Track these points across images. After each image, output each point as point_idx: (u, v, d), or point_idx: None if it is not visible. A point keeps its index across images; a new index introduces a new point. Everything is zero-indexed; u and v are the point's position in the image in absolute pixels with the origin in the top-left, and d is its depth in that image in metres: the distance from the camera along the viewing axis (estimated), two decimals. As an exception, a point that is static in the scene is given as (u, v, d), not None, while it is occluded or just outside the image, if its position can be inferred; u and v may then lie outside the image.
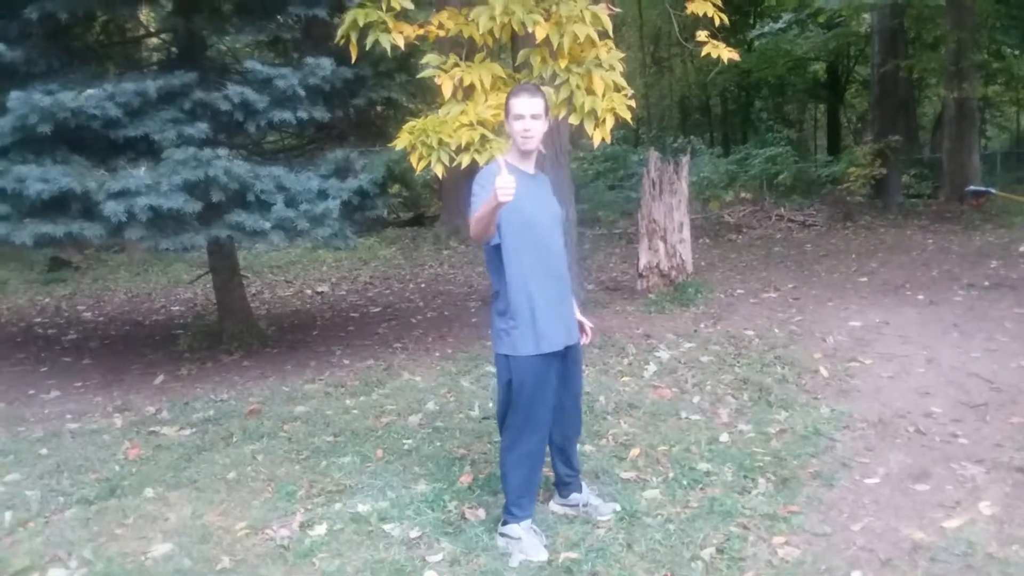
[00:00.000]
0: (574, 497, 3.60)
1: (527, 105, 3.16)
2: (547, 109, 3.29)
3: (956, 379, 5.28)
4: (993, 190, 16.03)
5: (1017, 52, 17.79)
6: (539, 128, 3.19)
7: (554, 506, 3.64)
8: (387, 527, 3.51)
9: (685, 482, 3.84)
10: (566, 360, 3.36)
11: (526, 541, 3.25)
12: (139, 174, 5.30)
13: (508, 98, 3.25)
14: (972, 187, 15.42)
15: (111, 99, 5.26)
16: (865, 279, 9.07)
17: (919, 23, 17.06)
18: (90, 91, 5.23)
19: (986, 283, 8.30)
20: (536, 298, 3.19)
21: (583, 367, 3.61)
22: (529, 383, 3.21)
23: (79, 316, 9.85)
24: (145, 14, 7.44)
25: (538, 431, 3.29)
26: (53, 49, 5.90)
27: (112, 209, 5.11)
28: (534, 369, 3.20)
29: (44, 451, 4.70)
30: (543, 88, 5.10)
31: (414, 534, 3.44)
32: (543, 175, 3.44)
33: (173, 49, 6.99)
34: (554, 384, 3.29)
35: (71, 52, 6.23)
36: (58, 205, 5.27)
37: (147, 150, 5.63)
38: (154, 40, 7.86)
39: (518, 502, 3.31)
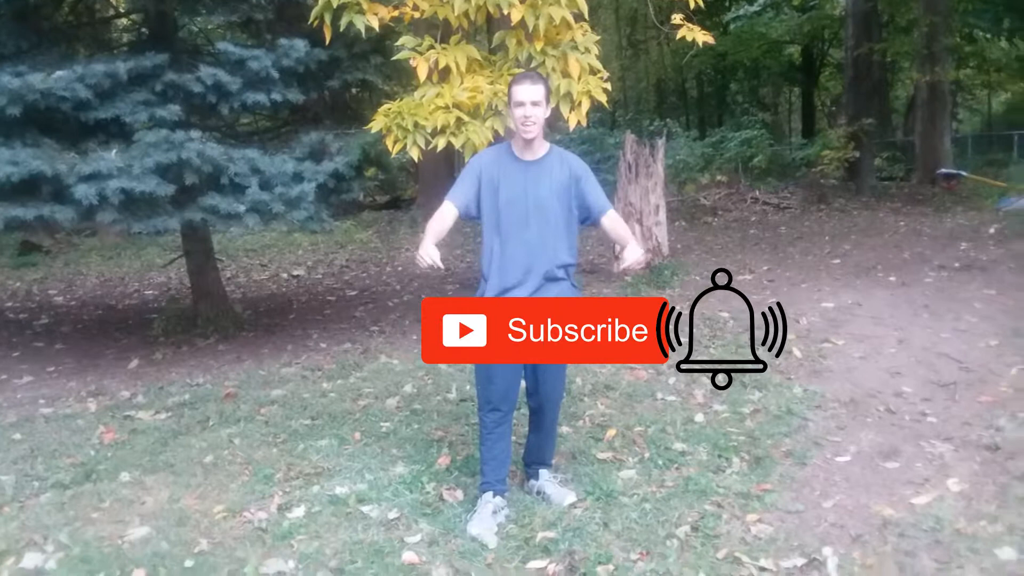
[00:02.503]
0: (531, 483, 3.66)
1: (527, 92, 3.22)
2: (548, 96, 3.36)
3: (926, 359, 5.37)
4: (964, 173, 16.25)
5: (989, 35, 17.98)
6: (539, 115, 3.24)
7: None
8: (365, 509, 3.53)
9: (661, 462, 3.89)
10: None
11: (477, 515, 3.34)
12: (110, 157, 5.24)
13: (510, 86, 3.34)
14: (944, 170, 15.69)
15: (81, 81, 5.19)
16: (838, 261, 9.18)
17: (892, 6, 17.17)
18: (59, 73, 5.15)
19: (956, 265, 8.42)
20: (492, 276, 3.32)
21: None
22: None
23: (51, 301, 9.74)
24: (115, -6, 7.33)
25: (489, 403, 3.37)
26: (22, 30, 5.80)
27: (83, 192, 5.04)
28: None
29: (17, 436, 4.66)
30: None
31: (392, 515, 3.46)
32: (555, 158, 3.37)
33: (143, 30, 6.90)
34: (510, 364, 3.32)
35: (40, 33, 6.13)
36: (28, 188, 5.19)
37: (118, 132, 5.56)
38: (124, 21, 7.75)
39: (482, 468, 3.44)
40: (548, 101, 3.34)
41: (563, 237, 3.34)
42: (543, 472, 3.65)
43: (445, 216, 3.32)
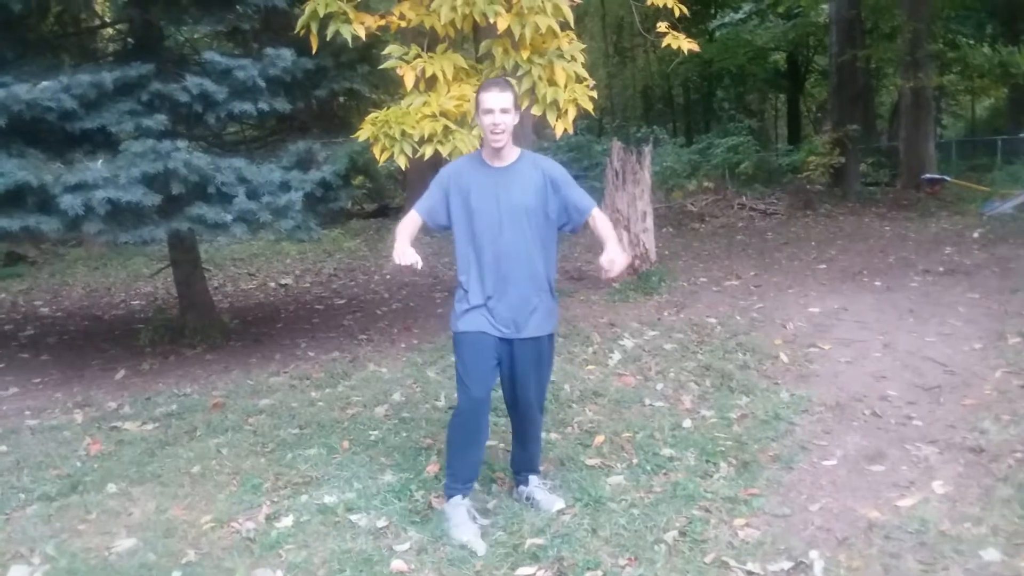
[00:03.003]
0: (520, 490, 3.64)
1: (496, 99, 3.18)
2: (517, 102, 3.32)
3: (911, 363, 5.41)
4: (948, 178, 16.36)
5: (971, 42, 18.16)
6: (508, 122, 3.20)
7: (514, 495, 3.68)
8: (354, 518, 3.52)
9: (649, 467, 3.90)
10: (512, 353, 3.36)
11: (454, 522, 3.32)
12: (96, 167, 5.22)
13: (477, 93, 3.28)
14: (928, 175, 15.82)
15: (67, 91, 5.17)
16: (824, 266, 9.23)
17: (876, 13, 17.35)
18: (45, 83, 5.14)
19: (941, 269, 8.49)
20: (472, 285, 3.31)
21: (545, 364, 3.51)
22: (458, 358, 3.35)
23: (36, 312, 9.68)
24: (100, 4, 7.31)
25: (464, 405, 3.34)
26: (6, 40, 5.78)
27: (69, 203, 5.03)
28: (460, 345, 3.33)
29: (3, 448, 4.63)
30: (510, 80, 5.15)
31: (381, 524, 3.45)
32: (526, 163, 3.34)
33: (129, 40, 6.88)
34: (489, 368, 3.33)
35: (25, 43, 6.11)
36: (14, 199, 5.17)
37: (104, 142, 5.55)
38: (109, 30, 7.74)
39: (447, 470, 3.45)
40: (517, 108, 3.30)
41: (539, 243, 3.32)
42: (532, 478, 3.64)
43: (413, 222, 3.34)
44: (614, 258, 3.19)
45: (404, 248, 3.15)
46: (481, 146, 3.41)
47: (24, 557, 3.31)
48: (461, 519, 3.33)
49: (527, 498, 3.59)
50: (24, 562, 3.27)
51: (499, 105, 3.18)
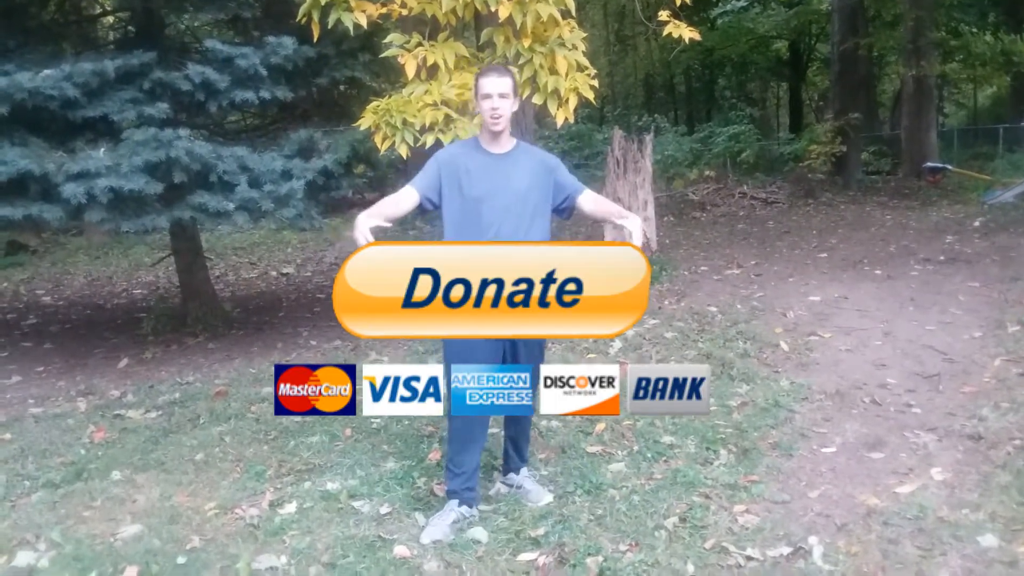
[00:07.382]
0: (509, 477, 3.63)
1: (495, 84, 3.16)
2: (516, 88, 3.29)
3: (911, 351, 5.43)
4: (950, 166, 16.32)
5: (974, 30, 18.09)
6: (507, 107, 3.18)
7: (498, 484, 3.67)
8: (357, 504, 3.55)
9: (649, 455, 3.92)
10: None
11: (432, 521, 3.34)
12: (98, 155, 5.24)
13: (476, 78, 3.27)
14: (929, 164, 15.80)
15: (68, 79, 5.18)
16: (825, 255, 9.24)
17: (878, 1, 17.25)
18: (47, 71, 5.15)
19: (941, 258, 8.49)
20: None
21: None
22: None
23: (38, 300, 9.70)
24: (101, -8, 7.32)
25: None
26: (8, 29, 5.79)
27: (71, 191, 5.04)
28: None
29: (7, 436, 4.66)
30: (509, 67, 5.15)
31: (384, 510, 3.48)
32: (522, 151, 3.31)
33: (130, 28, 6.89)
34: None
35: (27, 31, 6.11)
36: (16, 187, 5.19)
37: (106, 131, 5.56)
38: (111, 19, 7.74)
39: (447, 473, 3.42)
40: (517, 94, 3.28)
41: (538, 228, 3.26)
42: (525, 469, 3.63)
43: (401, 201, 3.18)
44: (633, 224, 3.18)
45: (366, 225, 2.92)
46: (480, 133, 3.37)
47: (30, 543, 3.34)
48: (442, 521, 3.30)
49: (517, 487, 3.58)
50: (30, 548, 3.30)
51: (497, 90, 3.16)
